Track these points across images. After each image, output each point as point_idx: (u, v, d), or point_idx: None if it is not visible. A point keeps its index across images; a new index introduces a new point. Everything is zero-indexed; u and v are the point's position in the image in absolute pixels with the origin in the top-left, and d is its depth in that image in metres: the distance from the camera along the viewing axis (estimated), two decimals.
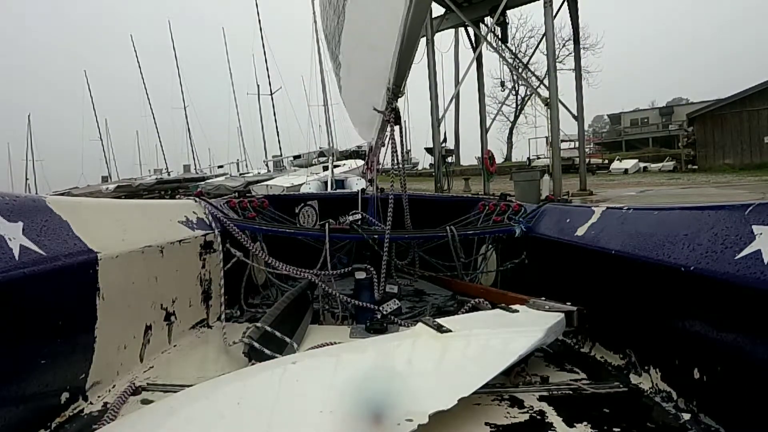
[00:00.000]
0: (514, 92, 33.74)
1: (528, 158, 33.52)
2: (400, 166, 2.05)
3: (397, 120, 1.88)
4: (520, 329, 1.38)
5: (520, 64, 23.09)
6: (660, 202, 6.88)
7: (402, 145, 1.87)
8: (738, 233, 0.98)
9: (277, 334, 1.50)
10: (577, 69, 14.62)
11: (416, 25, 1.64)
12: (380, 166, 3.09)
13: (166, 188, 22.66)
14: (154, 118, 35.80)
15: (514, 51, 24.82)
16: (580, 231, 1.62)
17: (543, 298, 1.59)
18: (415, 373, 1.21)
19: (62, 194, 12.19)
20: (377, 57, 1.94)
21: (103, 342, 1.22)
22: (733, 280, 0.92)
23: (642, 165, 28.73)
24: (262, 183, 16.21)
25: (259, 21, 30.99)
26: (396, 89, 1.87)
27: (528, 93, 32.71)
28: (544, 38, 12.99)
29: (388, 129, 2.01)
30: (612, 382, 1.27)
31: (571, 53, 20.46)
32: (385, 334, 1.66)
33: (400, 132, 1.85)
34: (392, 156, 1.89)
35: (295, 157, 27.67)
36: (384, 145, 2.83)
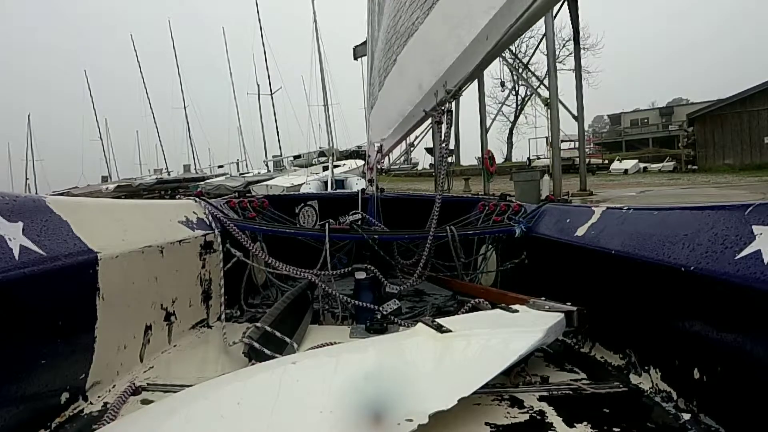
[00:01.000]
0: (514, 92, 33.78)
1: (528, 158, 33.54)
2: (444, 166, 2.01)
3: (451, 122, 1.83)
4: (520, 329, 1.38)
5: (520, 65, 23.10)
6: (660, 202, 6.88)
7: (447, 144, 1.82)
8: (738, 233, 0.98)
9: (277, 334, 1.49)
10: (577, 69, 14.62)
11: (522, 28, 1.54)
12: (385, 166, 3.10)
13: (166, 188, 22.67)
14: (154, 118, 35.95)
15: (514, 51, 24.78)
16: (580, 231, 1.62)
17: (543, 298, 1.59)
18: (415, 373, 1.21)
19: (62, 194, 12.19)
20: (442, 60, 1.88)
21: (103, 342, 1.22)
22: (733, 280, 0.92)
23: (642, 165, 28.73)
24: (262, 183, 16.23)
25: (259, 21, 31.14)
26: (457, 91, 1.81)
27: (528, 93, 32.72)
28: (544, 38, 13.00)
29: (425, 129, 1.93)
30: (612, 382, 1.26)
31: (571, 53, 20.46)
32: (385, 334, 1.66)
33: (449, 133, 1.80)
34: (437, 156, 1.87)
35: (295, 157, 27.72)
36: (414, 146, 2.83)
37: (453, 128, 21.28)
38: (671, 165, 28.03)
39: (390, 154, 3.25)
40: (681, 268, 1.07)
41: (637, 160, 29.62)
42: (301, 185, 12.66)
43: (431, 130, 2.05)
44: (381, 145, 3.07)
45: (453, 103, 1.86)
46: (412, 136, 2.82)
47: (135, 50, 36.65)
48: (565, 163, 17.23)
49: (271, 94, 31.74)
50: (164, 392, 1.22)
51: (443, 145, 1.82)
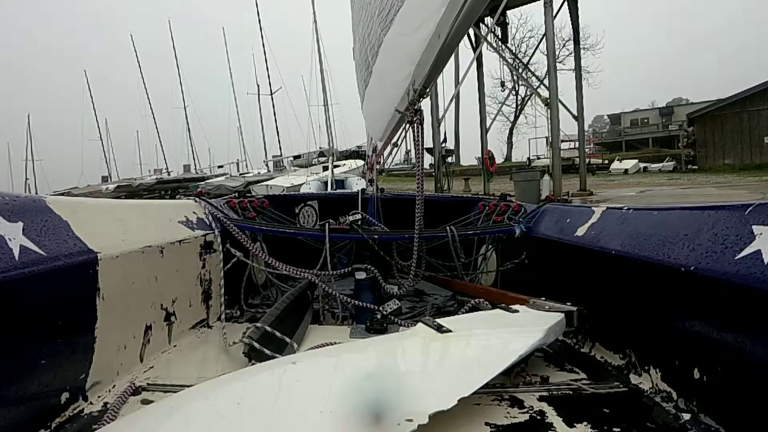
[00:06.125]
0: (514, 92, 33.66)
1: (528, 158, 33.48)
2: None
3: (422, 120, 1.86)
4: (520, 329, 1.38)
5: (520, 64, 23.07)
6: (660, 202, 6.87)
7: (422, 145, 1.85)
8: (738, 233, 0.98)
9: (277, 334, 1.50)
10: (577, 69, 14.61)
11: (465, 23, 1.64)
12: (381, 167, 3.10)
13: (166, 188, 22.67)
14: (154, 118, 35.90)
15: (514, 51, 24.79)
16: (580, 231, 1.62)
17: (543, 298, 1.59)
18: (415, 373, 1.21)
19: (62, 194, 12.20)
20: (406, 63, 1.96)
21: (103, 342, 1.22)
22: (733, 280, 0.92)
23: (642, 165, 28.74)
24: (262, 183, 16.21)
25: (259, 21, 31.10)
26: (423, 90, 1.86)
27: (528, 93, 32.69)
28: (544, 38, 13.00)
29: (401, 130, 1.98)
30: (612, 382, 1.27)
31: (571, 53, 20.43)
32: (385, 334, 1.66)
33: (422, 132, 1.83)
34: (415, 155, 1.89)
35: (295, 157, 27.66)
36: (397, 146, 2.84)
37: (453, 128, 21.40)
38: (671, 165, 28.03)
39: (390, 155, 3.26)
40: (681, 268, 1.07)
41: (637, 160, 29.61)
42: (301, 185, 12.66)
43: (411, 129, 2.08)
44: (376, 146, 3.09)
45: (426, 102, 1.91)
46: (399, 137, 2.87)
47: (135, 50, 36.60)
48: (565, 163, 17.19)
49: (271, 94, 31.77)
50: (164, 392, 1.22)
51: (418, 143, 1.84)
